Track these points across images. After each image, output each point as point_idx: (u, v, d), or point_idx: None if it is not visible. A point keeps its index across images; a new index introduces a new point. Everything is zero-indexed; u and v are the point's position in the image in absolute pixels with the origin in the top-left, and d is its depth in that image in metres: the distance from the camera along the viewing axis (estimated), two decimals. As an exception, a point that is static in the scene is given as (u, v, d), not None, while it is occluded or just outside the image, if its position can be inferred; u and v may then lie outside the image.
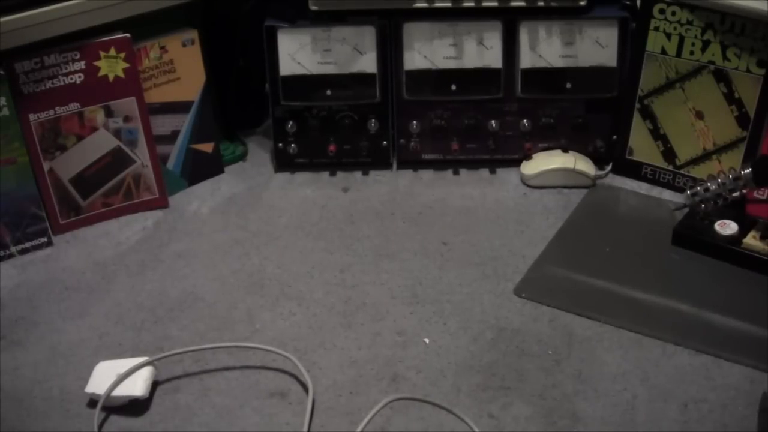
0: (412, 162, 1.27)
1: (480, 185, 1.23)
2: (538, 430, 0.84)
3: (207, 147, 1.25)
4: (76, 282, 1.07)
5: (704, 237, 1.06)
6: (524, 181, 1.23)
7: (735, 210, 1.08)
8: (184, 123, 1.21)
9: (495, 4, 1.17)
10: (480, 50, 1.20)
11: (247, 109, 1.35)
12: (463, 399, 0.88)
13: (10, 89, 1.06)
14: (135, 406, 0.88)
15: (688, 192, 1.12)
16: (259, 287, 1.04)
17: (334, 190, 1.23)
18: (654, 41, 1.14)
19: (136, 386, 0.88)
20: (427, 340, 0.95)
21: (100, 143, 1.15)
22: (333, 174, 1.27)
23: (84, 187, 1.16)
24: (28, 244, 1.12)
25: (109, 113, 1.14)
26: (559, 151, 1.23)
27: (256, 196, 1.23)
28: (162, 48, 1.16)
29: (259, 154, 1.32)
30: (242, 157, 1.31)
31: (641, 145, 1.21)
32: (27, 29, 1.03)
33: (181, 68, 1.18)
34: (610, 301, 1.00)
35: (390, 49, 1.20)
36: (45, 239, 1.13)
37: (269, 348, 0.93)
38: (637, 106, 1.19)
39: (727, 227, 1.06)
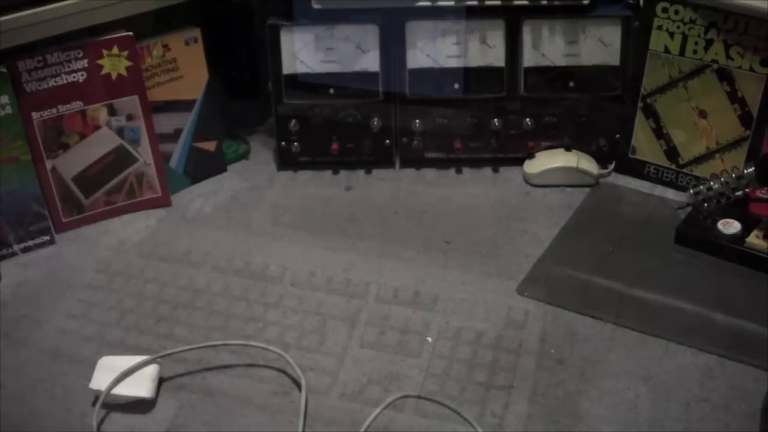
0: (414, 161, 1.27)
1: (483, 184, 1.23)
2: (540, 429, 0.84)
3: (210, 145, 1.25)
4: (78, 280, 1.07)
5: (707, 236, 1.06)
6: (527, 179, 1.22)
7: (738, 209, 1.08)
8: (186, 121, 1.21)
9: (498, 2, 1.17)
10: (483, 49, 1.20)
11: (249, 107, 1.35)
12: (466, 397, 0.88)
13: (13, 87, 1.06)
14: (137, 404, 0.88)
15: (691, 191, 1.12)
16: (261, 286, 1.04)
17: (336, 189, 1.23)
18: (657, 40, 1.14)
19: (144, 387, 0.88)
20: (429, 339, 0.95)
21: (102, 141, 1.15)
22: (336, 172, 1.27)
23: (87, 185, 1.16)
24: (30, 243, 1.12)
25: (112, 111, 1.14)
26: (562, 150, 1.23)
27: (258, 195, 1.23)
28: (165, 46, 1.16)
29: (261, 152, 1.32)
30: (245, 155, 1.31)
31: (644, 144, 1.20)
32: (29, 27, 1.03)
33: (184, 66, 1.18)
34: (612, 300, 1.00)
35: (393, 47, 1.20)
36: (47, 237, 1.14)
37: (271, 348, 0.92)
38: (640, 104, 1.19)
39: (730, 226, 1.06)
